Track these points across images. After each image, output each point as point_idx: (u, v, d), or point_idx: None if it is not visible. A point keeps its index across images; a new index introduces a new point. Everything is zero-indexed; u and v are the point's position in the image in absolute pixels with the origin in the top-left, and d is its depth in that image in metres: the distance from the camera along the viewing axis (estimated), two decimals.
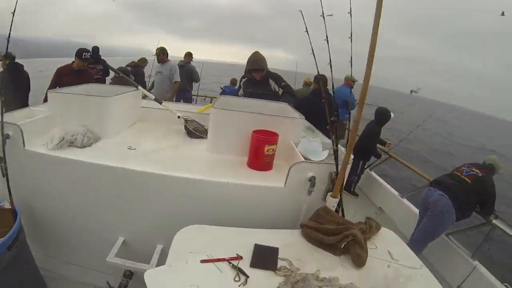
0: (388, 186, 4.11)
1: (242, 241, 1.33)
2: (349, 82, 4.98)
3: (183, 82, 5.41)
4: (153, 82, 5.47)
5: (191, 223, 1.38)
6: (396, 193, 3.90)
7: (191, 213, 1.63)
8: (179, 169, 1.61)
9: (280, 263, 1.26)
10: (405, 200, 3.73)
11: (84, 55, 3.61)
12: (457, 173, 2.80)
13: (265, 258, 1.28)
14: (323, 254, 1.40)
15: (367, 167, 4.42)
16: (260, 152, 1.86)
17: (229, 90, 6.82)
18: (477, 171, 2.70)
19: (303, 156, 1.76)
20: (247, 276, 1.14)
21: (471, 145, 19.01)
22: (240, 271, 1.17)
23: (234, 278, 1.13)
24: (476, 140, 22.44)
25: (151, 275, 1.08)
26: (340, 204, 1.70)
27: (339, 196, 1.63)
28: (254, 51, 3.07)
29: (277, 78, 3.01)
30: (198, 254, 1.21)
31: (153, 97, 2.33)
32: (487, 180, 2.63)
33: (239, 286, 1.10)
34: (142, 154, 1.82)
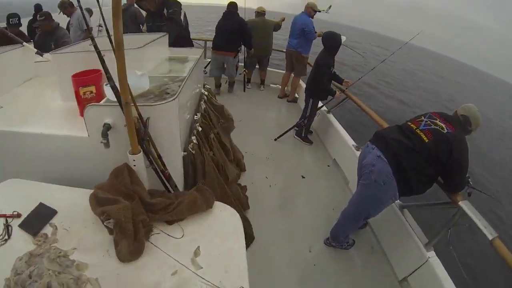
0: (345, 134, 3.40)
1: (41, 198, 1.20)
2: (309, 10, 4.20)
3: (128, 26, 4.91)
4: None
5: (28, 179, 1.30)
6: (352, 143, 3.18)
7: (27, 170, 1.47)
8: (17, 124, 1.46)
9: (47, 229, 1.10)
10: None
11: None
12: (411, 126, 1.83)
13: (37, 220, 1.14)
14: (98, 228, 1.11)
15: (321, 107, 3.75)
16: (78, 96, 1.50)
17: None
18: (442, 124, 1.75)
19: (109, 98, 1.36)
20: (8, 237, 1.06)
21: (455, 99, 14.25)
22: (7, 229, 1.09)
23: None
24: (461, 94, 17.25)
25: None
26: (153, 163, 1.29)
27: (139, 151, 1.23)
28: None
29: (170, 6, 2.51)
30: None
31: (35, 50, 2.15)
32: (456, 140, 1.67)
33: None
34: (4, 112, 1.62)
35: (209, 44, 5.18)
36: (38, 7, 4.86)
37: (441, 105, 11.85)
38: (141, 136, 1.21)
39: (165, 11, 2.58)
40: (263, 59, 5.00)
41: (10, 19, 3.34)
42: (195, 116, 1.92)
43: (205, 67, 4.89)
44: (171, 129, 1.34)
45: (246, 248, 2.06)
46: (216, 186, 1.82)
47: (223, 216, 1.22)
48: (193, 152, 1.60)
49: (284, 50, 4.82)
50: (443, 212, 1.95)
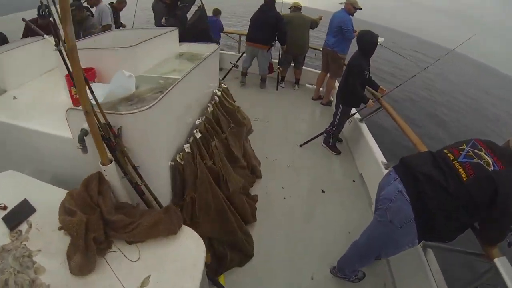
0: (375, 148, 2.99)
1: (28, 193, 1.20)
2: (349, 6, 3.81)
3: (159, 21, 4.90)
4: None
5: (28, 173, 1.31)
6: (381, 159, 2.79)
7: (25, 163, 1.48)
8: (20, 117, 1.48)
9: (23, 226, 1.11)
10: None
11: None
12: (449, 155, 1.42)
13: (17, 215, 1.14)
14: (65, 235, 1.07)
15: (353, 115, 3.44)
16: (71, 95, 1.47)
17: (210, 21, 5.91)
18: (488, 159, 1.32)
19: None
20: None
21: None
22: None
23: None
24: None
25: None
26: (127, 174, 1.19)
27: (109, 162, 1.14)
28: None
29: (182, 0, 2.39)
30: None
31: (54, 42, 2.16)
32: (503, 179, 1.25)
33: None
34: (16, 103, 1.67)
35: (243, 38, 5.06)
36: None
37: (484, 125, 10.37)
38: (112, 146, 1.11)
39: (179, 4, 2.50)
40: (298, 56, 4.72)
41: (41, 10, 3.37)
42: (197, 121, 1.80)
43: (236, 61, 4.78)
44: (147, 139, 1.23)
45: (241, 266, 1.95)
46: (210, 199, 1.69)
47: (187, 244, 1.08)
48: (182, 162, 1.47)
49: (321, 49, 4.50)
50: (474, 262, 1.59)
